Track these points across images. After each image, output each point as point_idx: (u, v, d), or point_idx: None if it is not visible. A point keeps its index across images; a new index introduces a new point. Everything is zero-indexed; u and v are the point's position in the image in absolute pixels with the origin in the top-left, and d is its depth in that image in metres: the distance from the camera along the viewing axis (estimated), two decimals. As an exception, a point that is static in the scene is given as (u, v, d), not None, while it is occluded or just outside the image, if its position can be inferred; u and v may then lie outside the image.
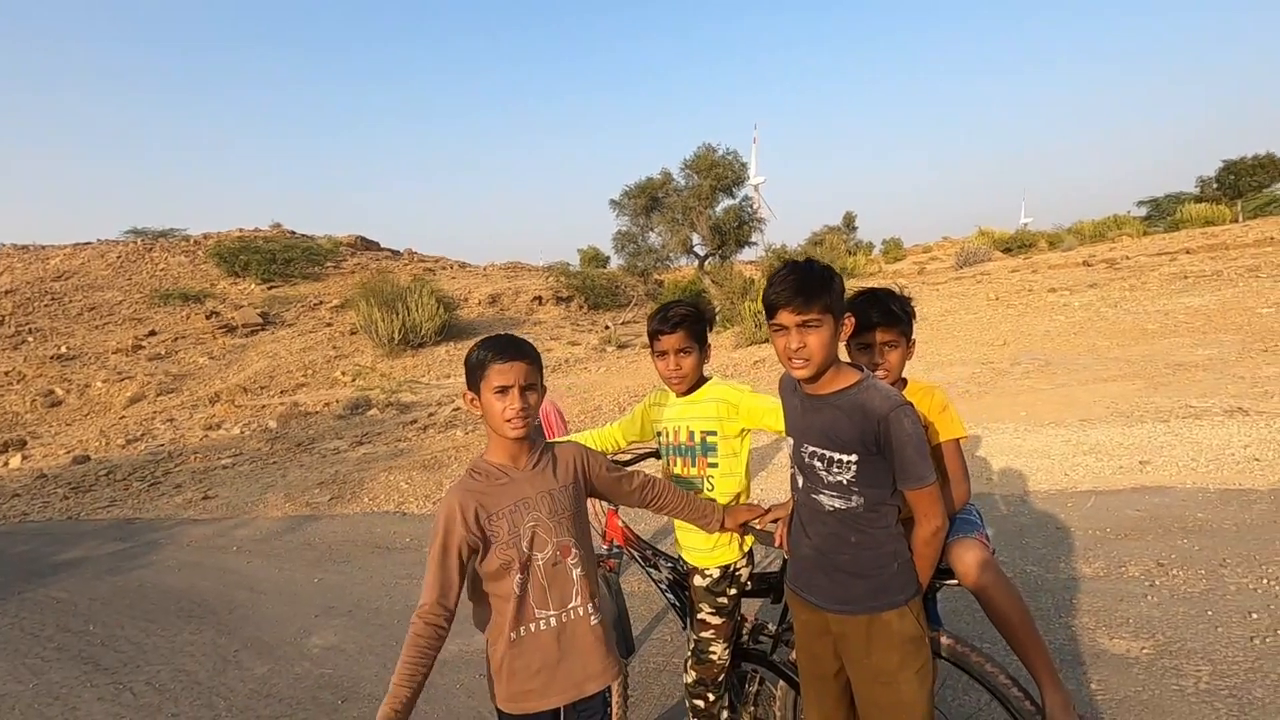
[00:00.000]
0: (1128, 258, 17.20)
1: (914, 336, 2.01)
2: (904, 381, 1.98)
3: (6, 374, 17.81)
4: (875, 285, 2.15)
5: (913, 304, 2.03)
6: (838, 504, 1.61)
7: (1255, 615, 2.72)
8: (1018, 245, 30.84)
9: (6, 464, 11.42)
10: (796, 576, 1.75)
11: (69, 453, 11.60)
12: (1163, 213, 34.42)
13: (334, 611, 4.00)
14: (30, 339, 20.56)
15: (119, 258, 29.97)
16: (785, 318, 1.55)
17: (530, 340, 1.71)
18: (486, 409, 1.61)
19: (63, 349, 19.59)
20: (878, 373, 1.91)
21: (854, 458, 1.56)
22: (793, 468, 1.75)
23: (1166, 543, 3.45)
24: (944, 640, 1.70)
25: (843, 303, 1.61)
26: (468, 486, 1.63)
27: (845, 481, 1.58)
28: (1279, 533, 3.37)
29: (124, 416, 14.66)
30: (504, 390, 1.58)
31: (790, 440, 1.74)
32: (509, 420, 1.58)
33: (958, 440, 1.91)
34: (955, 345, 10.39)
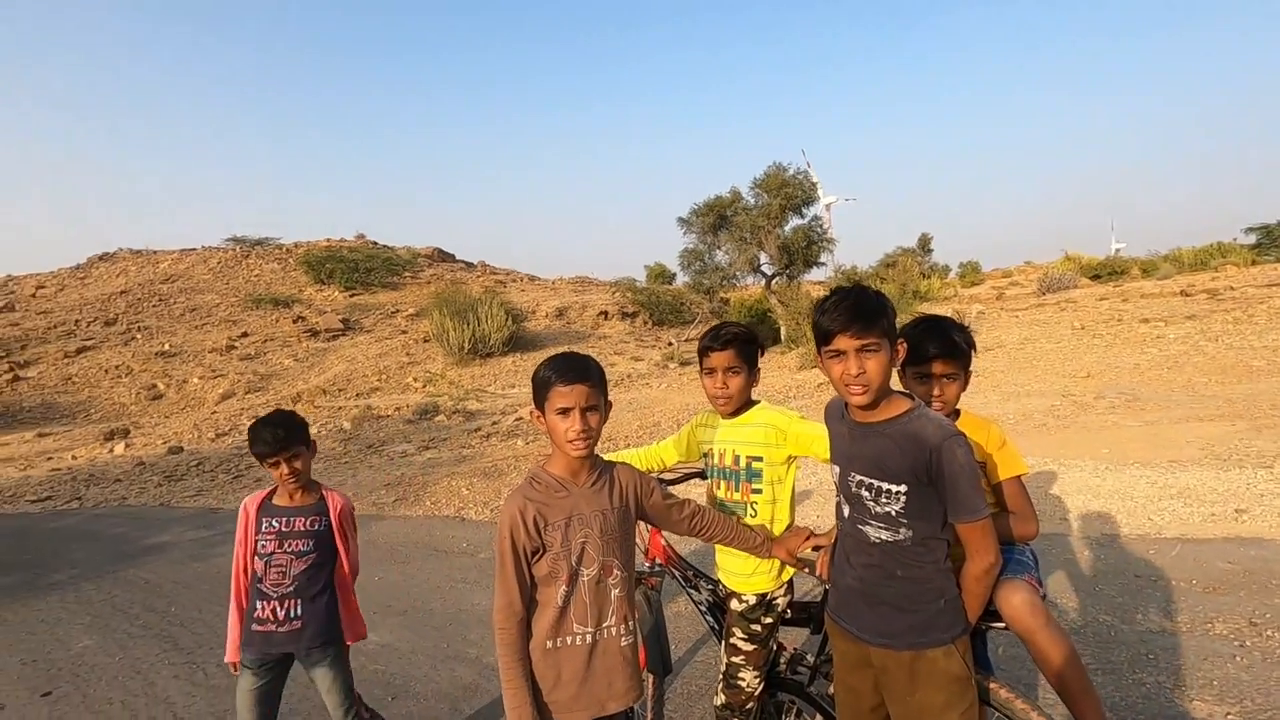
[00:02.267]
0: (1232, 288, 16.01)
1: (972, 368, 1.93)
2: (957, 414, 1.92)
3: (117, 368, 19.39)
4: (937, 313, 2.09)
5: (973, 333, 1.96)
6: (884, 536, 1.57)
7: (1361, 687, 2.46)
8: (1108, 272, 29.11)
9: (112, 451, 12.39)
10: (839, 606, 1.71)
11: (165, 443, 12.49)
12: (1274, 241, 31.81)
13: (390, 610, 4.14)
14: (138, 336, 22.30)
15: (219, 263, 32.22)
16: (843, 343, 1.53)
17: (595, 356, 1.74)
18: (550, 427, 1.66)
19: (166, 346, 21.17)
20: (934, 404, 1.86)
21: (903, 488, 1.53)
22: (838, 496, 1.72)
23: (1261, 600, 3.17)
24: (991, 686, 1.62)
25: (895, 328, 1.58)
26: (528, 494, 1.68)
27: (894, 513, 1.55)
28: (1395, 598, 3.05)
29: (215, 411, 15.67)
30: (566, 412, 1.62)
31: (836, 468, 1.71)
32: (571, 441, 1.63)
33: (1019, 477, 1.83)
34: (1034, 375, 9.90)
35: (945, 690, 1.51)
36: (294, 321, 23.12)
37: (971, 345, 1.92)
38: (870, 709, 1.65)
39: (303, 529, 2.32)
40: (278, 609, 2.26)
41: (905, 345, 1.64)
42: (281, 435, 2.25)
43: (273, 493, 2.38)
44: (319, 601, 2.31)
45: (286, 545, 2.29)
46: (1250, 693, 2.51)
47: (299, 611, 2.27)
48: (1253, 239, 34.10)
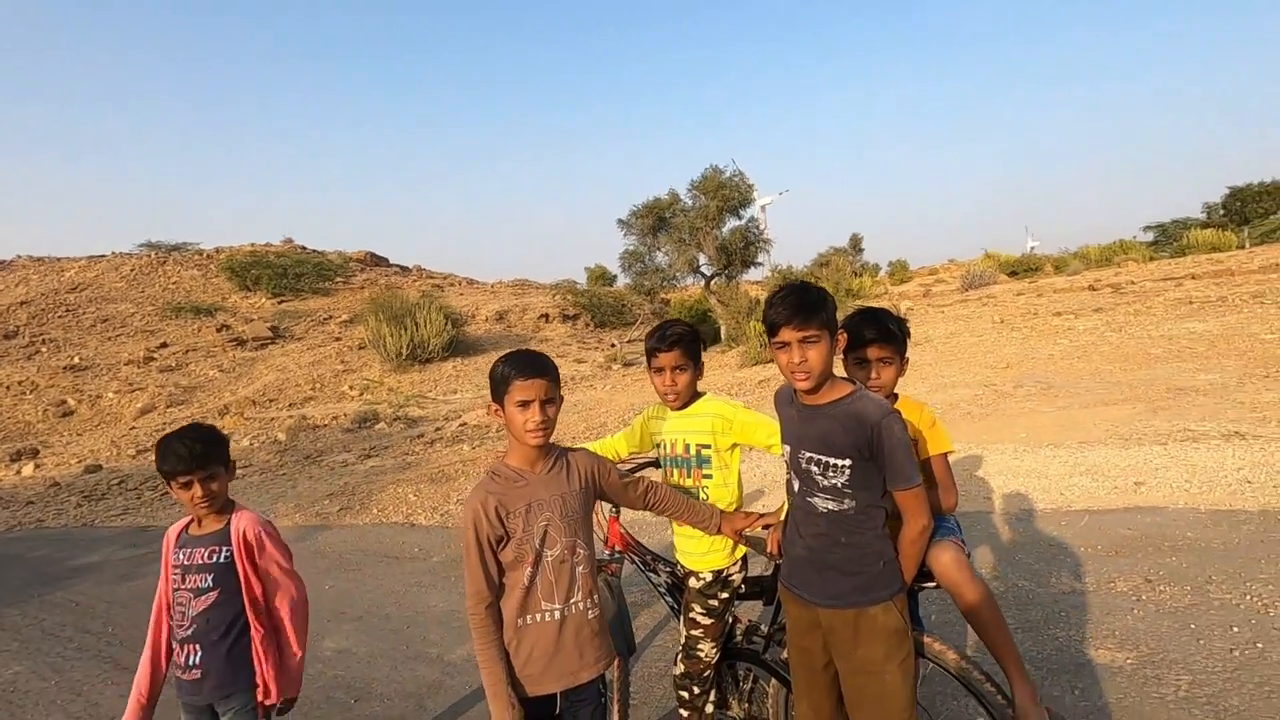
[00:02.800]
0: (1133, 283, 17.31)
1: (907, 355, 2.13)
2: (895, 397, 2.11)
3: (20, 384, 18.07)
4: (874, 305, 2.30)
5: (908, 324, 2.16)
6: (831, 506, 1.74)
7: (1236, 629, 2.81)
8: (1024, 269, 30.97)
9: (19, 472, 11.61)
10: (790, 574, 1.87)
11: (81, 462, 11.78)
12: (1169, 238, 34.52)
13: (345, 617, 4.11)
14: (44, 349, 20.85)
15: (133, 270, 30.42)
16: (787, 334, 1.70)
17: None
18: (509, 419, 1.76)
19: (75, 360, 19.87)
20: (871, 387, 2.05)
21: (848, 462, 1.70)
22: (788, 473, 1.88)
23: (1155, 560, 3.54)
24: (925, 640, 1.81)
25: (836, 320, 1.76)
26: (489, 488, 1.77)
27: (839, 485, 1.72)
28: (1265, 552, 3.46)
29: (134, 427, 14.85)
30: (525, 404, 1.73)
31: (787, 447, 1.87)
32: (530, 431, 1.73)
33: (945, 454, 2.03)
34: (960, 367, 10.48)
35: (885, 643, 1.68)
36: (218, 330, 22.10)
37: (906, 332, 2.12)
38: (822, 667, 1.81)
39: (201, 562, 2.02)
40: (179, 654, 2.01)
41: (845, 335, 1.83)
42: (198, 450, 1.98)
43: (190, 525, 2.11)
44: (220, 647, 1.99)
45: (187, 581, 2.02)
46: (1146, 639, 2.83)
47: (198, 658, 1.98)
48: (1150, 237, 36.88)
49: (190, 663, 1.98)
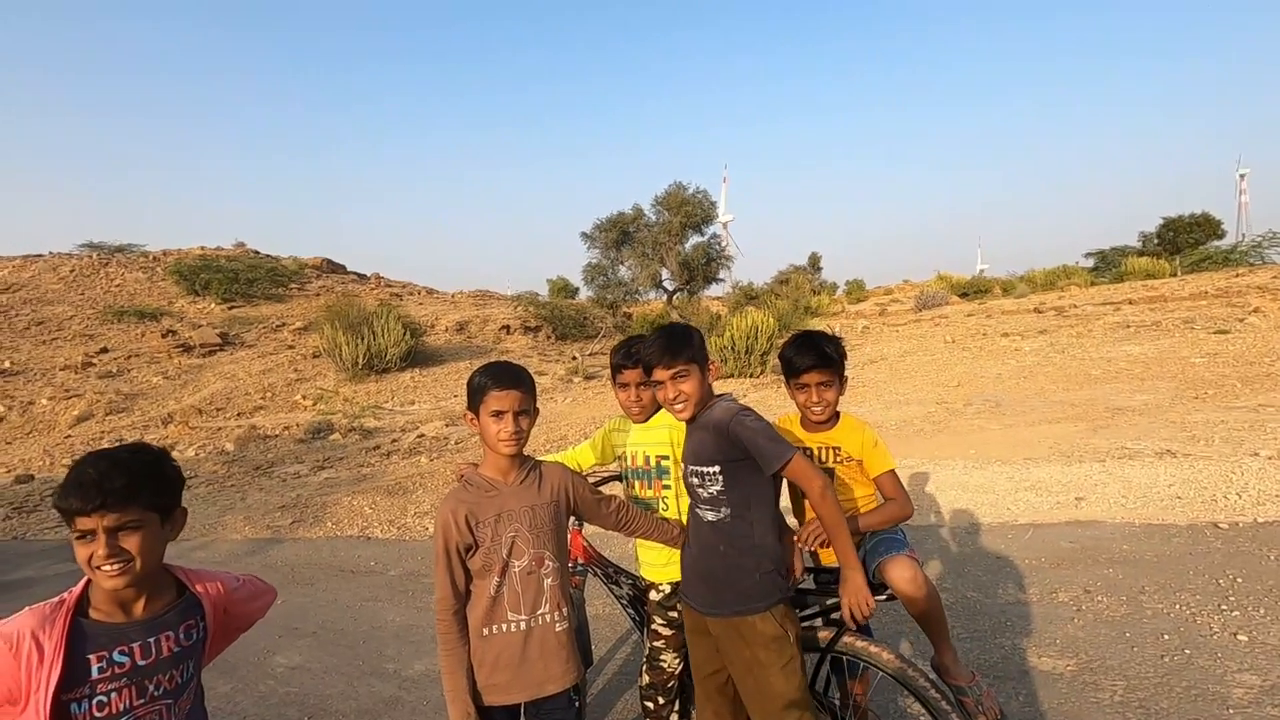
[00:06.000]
0: (1075, 306, 18.09)
1: (846, 374, 2.21)
2: (838, 416, 2.20)
3: (-55, 388, 17.09)
4: (809, 329, 2.41)
5: (844, 344, 2.25)
6: (710, 516, 1.89)
7: (1167, 636, 2.97)
8: (974, 290, 32.07)
9: (-57, 482, 10.95)
10: (684, 584, 2.01)
11: (10, 471, 11.18)
12: (1108, 264, 36.19)
13: (298, 632, 4.00)
14: (-28, 353, 19.78)
15: (72, 272, 29.14)
16: (659, 374, 1.91)
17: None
18: (483, 429, 1.79)
19: (6, 364, 18.89)
20: (814, 409, 2.14)
21: (716, 469, 1.85)
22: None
23: (1094, 572, 3.71)
24: (872, 648, 1.90)
25: (704, 351, 1.95)
26: (460, 496, 1.79)
27: (715, 494, 1.87)
28: (1194, 564, 3.67)
29: (70, 435, 14.17)
30: (499, 414, 1.76)
31: (684, 466, 2.02)
32: (503, 440, 1.76)
33: (892, 470, 2.13)
34: (913, 385, 10.79)
35: (765, 648, 1.80)
36: (163, 336, 21.28)
37: (841, 354, 2.19)
38: (714, 672, 1.95)
39: (173, 650, 1.38)
40: None
41: (716, 365, 2.03)
42: (116, 483, 1.27)
43: (82, 603, 1.32)
44: None
45: (150, 689, 1.34)
46: (1085, 647, 2.97)
47: None
48: (1091, 263, 38.63)
49: None
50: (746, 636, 1.81)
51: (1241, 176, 72.29)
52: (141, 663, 1.34)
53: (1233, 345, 10.60)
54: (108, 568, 1.28)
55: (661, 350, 1.89)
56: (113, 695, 1.30)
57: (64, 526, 5.72)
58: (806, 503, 2.00)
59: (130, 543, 1.30)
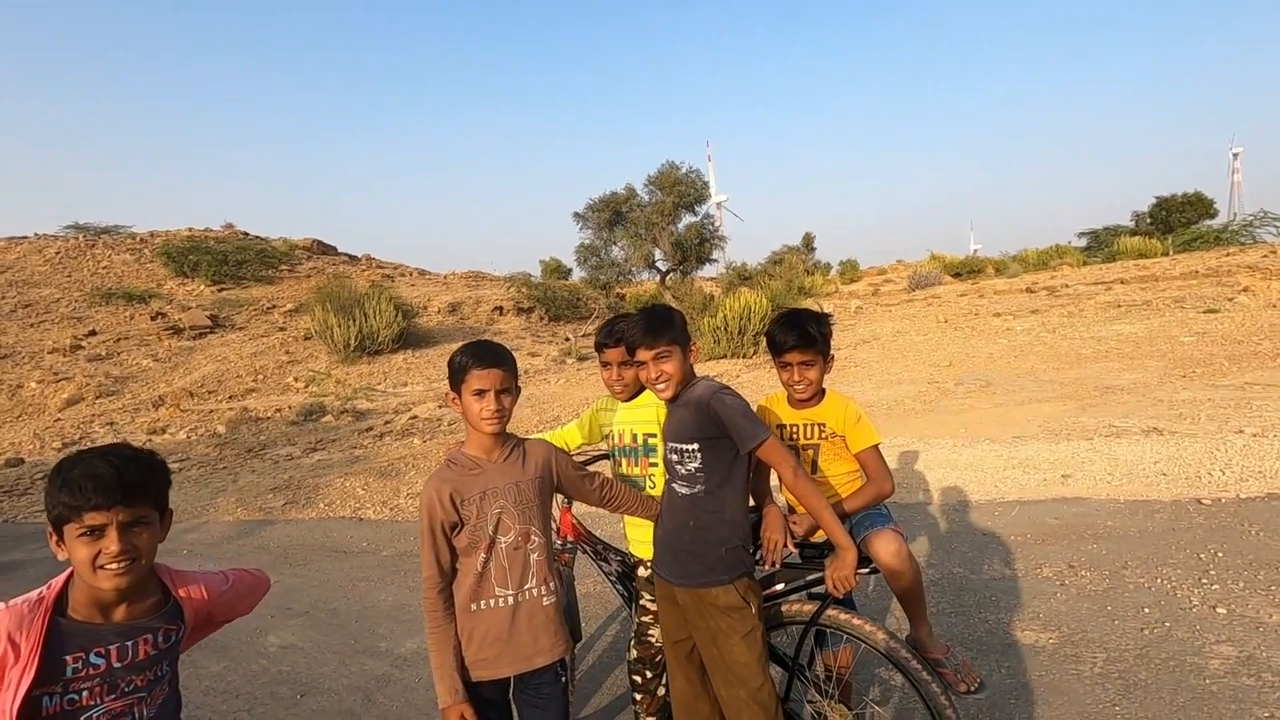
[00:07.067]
0: (1067, 286, 18.13)
1: (832, 353, 2.20)
2: (823, 393, 2.20)
3: (-68, 372, 16.95)
4: (796, 307, 2.41)
5: (831, 322, 2.24)
6: (685, 491, 1.93)
7: (1147, 610, 3.02)
8: (967, 270, 32.05)
9: (-68, 465, 10.89)
10: (656, 557, 2.06)
11: (0, 455, 11.14)
12: (1100, 244, 36.22)
13: (290, 612, 4.03)
14: (-42, 336, 19.60)
15: (58, 253, 28.79)
16: (641, 354, 1.96)
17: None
18: (465, 408, 1.79)
19: (-6, 347, 18.74)
20: (797, 387, 2.14)
21: (695, 446, 1.89)
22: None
23: (1078, 547, 3.77)
24: (855, 621, 1.93)
25: (686, 332, 2.00)
26: (444, 475, 1.79)
27: (693, 470, 1.91)
28: (1176, 539, 3.72)
29: (60, 419, 14.11)
30: (481, 393, 1.76)
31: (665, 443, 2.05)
32: (485, 419, 1.77)
33: (875, 445, 2.13)
34: (905, 365, 10.83)
35: (727, 618, 1.87)
36: (152, 318, 21.11)
37: (826, 334, 2.18)
38: (684, 638, 2.01)
39: (149, 654, 1.36)
40: None
41: (697, 345, 2.06)
42: (129, 476, 1.28)
43: (61, 601, 1.30)
44: None
45: (122, 687, 1.32)
46: (1067, 620, 3.02)
47: None
48: (1084, 242, 38.66)
49: None
50: (710, 607, 1.87)
51: (1235, 155, 72.30)
52: (117, 665, 1.32)
53: (1222, 324, 10.67)
54: (114, 566, 1.26)
55: (644, 331, 1.93)
56: (84, 692, 1.28)
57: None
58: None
59: (140, 540, 1.30)
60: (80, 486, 1.24)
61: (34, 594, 1.29)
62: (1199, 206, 37.93)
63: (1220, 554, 3.47)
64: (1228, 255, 20.11)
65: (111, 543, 1.25)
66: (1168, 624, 2.89)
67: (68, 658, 1.26)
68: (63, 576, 1.32)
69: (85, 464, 1.27)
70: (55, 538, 1.29)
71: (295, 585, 4.49)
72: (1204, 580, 3.23)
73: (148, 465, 1.34)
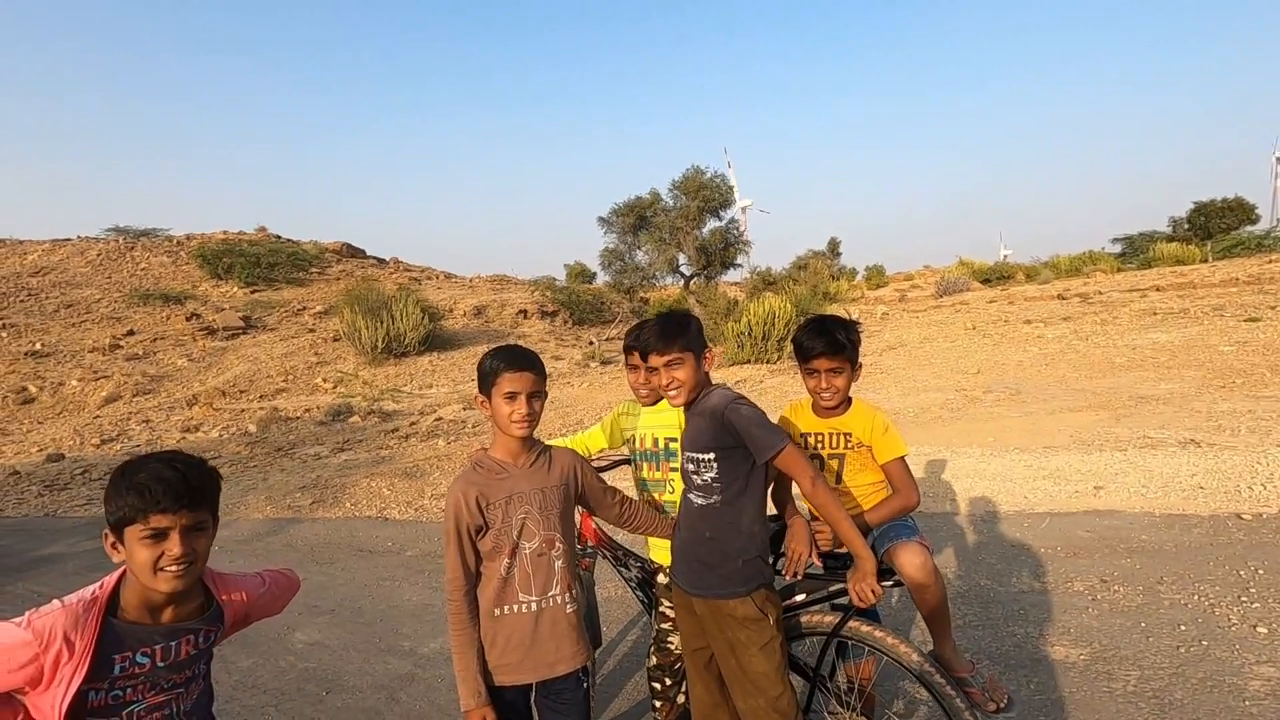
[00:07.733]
0: (1101, 293, 17.74)
1: (860, 361, 2.18)
2: (849, 402, 2.17)
3: (-20, 369, 17.56)
4: (824, 313, 2.38)
5: (859, 329, 2.21)
6: (701, 501, 1.91)
7: (1183, 627, 2.93)
8: (996, 276, 31.54)
9: (-22, 460, 11.28)
10: (673, 566, 2.05)
11: (42, 450, 11.49)
12: (1136, 250, 35.43)
13: (317, 610, 4.09)
14: (3, 335, 20.27)
15: (99, 255, 29.69)
16: (654, 360, 1.95)
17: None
18: (495, 411, 1.80)
19: (38, 345, 19.35)
20: (824, 395, 2.12)
21: (712, 455, 1.87)
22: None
23: (1111, 561, 3.67)
24: (889, 639, 1.89)
25: (701, 339, 1.96)
26: (470, 478, 1.81)
27: (709, 480, 1.88)
28: (1214, 554, 3.61)
29: (99, 416, 14.52)
30: (512, 396, 1.77)
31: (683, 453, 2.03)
32: (515, 422, 1.78)
33: (902, 457, 2.10)
34: (933, 372, 10.68)
35: (745, 629, 1.85)
36: (188, 319, 21.65)
37: (854, 341, 2.15)
38: (702, 646, 1.99)
39: (190, 654, 1.42)
40: None
41: (713, 351, 2.04)
42: (195, 481, 1.33)
43: (113, 601, 1.34)
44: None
45: (163, 684, 1.38)
46: (1099, 637, 2.94)
47: None
48: (1118, 248, 37.82)
49: None
50: (727, 618, 1.86)
51: (1277, 159, 70.07)
52: (161, 664, 1.37)
53: (1264, 333, 10.34)
54: (174, 569, 1.30)
55: (656, 337, 1.93)
56: (128, 689, 1.34)
57: (93, 504, 5.74)
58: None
59: (199, 544, 1.34)
60: (149, 489, 1.27)
61: (87, 593, 1.33)
62: (1239, 212, 36.90)
63: (1261, 571, 3.36)
64: (1270, 262, 19.51)
65: (174, 546, 1.29)
66: (1205, 642, 2.81)
67: (116, 657, 1.30)
68: (114, 577, 1.36)
69: (152, 468, 1.30)
70: (112, 540, 1.32)
71: (322, 583, 4.56)
72: (1243, 598, 3.13)
73: (208, 472, 1.38)
